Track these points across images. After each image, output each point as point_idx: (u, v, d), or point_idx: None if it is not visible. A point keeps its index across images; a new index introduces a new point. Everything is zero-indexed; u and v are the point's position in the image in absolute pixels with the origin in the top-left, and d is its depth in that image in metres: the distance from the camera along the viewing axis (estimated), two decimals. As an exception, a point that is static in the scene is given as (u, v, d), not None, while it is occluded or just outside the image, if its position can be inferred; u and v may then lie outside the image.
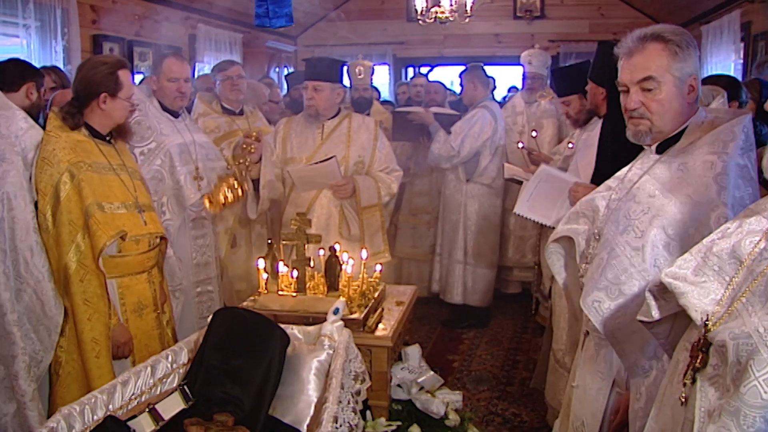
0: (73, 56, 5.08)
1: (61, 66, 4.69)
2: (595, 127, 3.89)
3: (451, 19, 6.42)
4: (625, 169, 2.07)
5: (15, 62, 3.20)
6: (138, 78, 5.45)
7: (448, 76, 9.04)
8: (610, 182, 2.10)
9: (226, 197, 3.47)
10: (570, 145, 4.30)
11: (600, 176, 2.49)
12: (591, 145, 3.15)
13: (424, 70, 9.17)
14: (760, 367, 1.07)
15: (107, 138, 2.89)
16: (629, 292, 1.82)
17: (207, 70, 6.38)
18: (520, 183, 4.02)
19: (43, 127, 2.77)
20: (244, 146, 3.57)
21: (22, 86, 3.05)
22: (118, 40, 5.73)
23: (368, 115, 4.77)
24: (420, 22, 6.57)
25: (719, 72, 5.62)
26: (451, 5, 6.43)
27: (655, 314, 1.40)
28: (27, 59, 4.81)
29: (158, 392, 2.21)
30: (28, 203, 2.63)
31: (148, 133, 3.42)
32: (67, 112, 2.79)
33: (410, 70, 9.39)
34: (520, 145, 4.74)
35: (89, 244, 2.67)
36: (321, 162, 3.66)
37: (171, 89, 3.55)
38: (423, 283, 5.57)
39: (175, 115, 3.62)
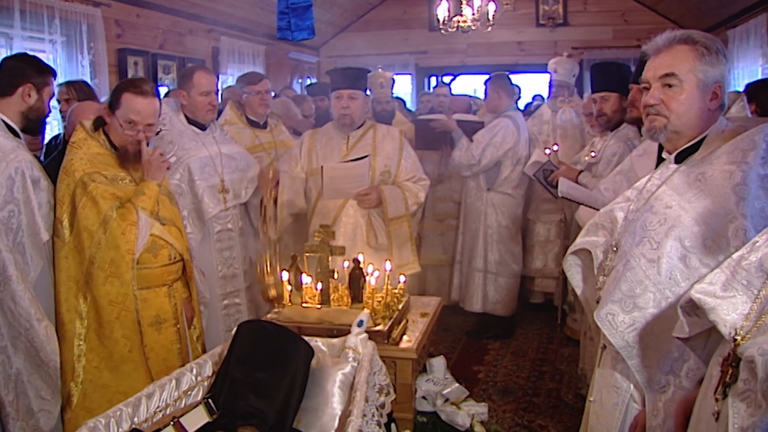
0: (99, 70, 5.19)
1: (87, 80, 4.78)
2: (627, 133, 3.87)
3: (473, 27, 6.42)
4: (644, 180, 2.05)
5: (14, 61, 2.88)
6: (162, 91, 5.51)
7: (471, 85, 9.03)
8: (629, 193, 2.08)
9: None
10: (593, 154, 4.26)
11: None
12: (650, 153, 3.02)
13: (446, 79, 9.17)
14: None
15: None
16: (644, 305, 1.79)
17: (231, 82, 6.45)
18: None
19: (61, 136, 2.80)
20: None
21: (18, 89, 2.75)
22: (143, 53, 5.83)
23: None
24: (442, 31, 6.58)
25: (745, 76, 5.54)
26: (474, 14, 6.44)
27: (687, 331, 1.38)
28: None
29: (183, 405, 2.22)
30: (1, 250, 2.54)
31: (169, 148, 3.44)
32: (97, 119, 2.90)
33: (433, 80, 9.40)
34: (547, 151, 4.71)
35: (111, 246, 2.69)
36: (355, 160, 3.66)
37: (203, 103, 3.56)
38: (443, 292, 5.53)
39: (202, 127, 3.64)
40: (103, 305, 2.71)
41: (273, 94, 4.71)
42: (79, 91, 3.97)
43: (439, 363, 3.21)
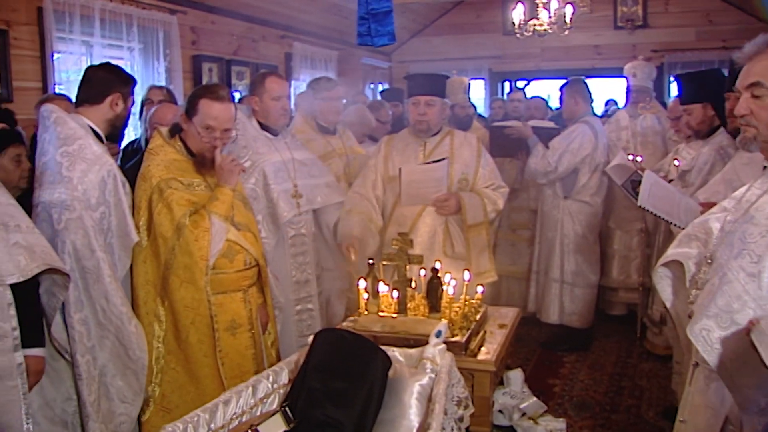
0: (174, 76, 5.31)
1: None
2: (720, 141, 3.68)
3: (549, 31, 6.27)
4: (743, 189, 1.95)
5: (104, 70, 2.94)
6: (235, 97, 5.59)
7: (545, 90, 8.84)
8: (726, 203, 1.98)
9: None
10: (676, 162, 4.07)
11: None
12: (756, 162, 2.87)
13: (520, 84, 9.02)
14: None
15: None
16: (742, 322, 1.68)
17: (303, 88, 6.50)
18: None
19: (139, 142, 2.84)
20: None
21: (107, 98, 2.82)
22: (217, 59, 5.95)
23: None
24: (517, 35, 6.45)
25: None
26: (550, 17, 6.28)
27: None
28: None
29: (259, 412, 2.22)
30: (96, 250, 2.59)
31: (243, 152, 3.47)
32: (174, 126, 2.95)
33: (506, 85, 9.25)
34: (630, 157, 4.53)
35: (185, 252, 2.71)
36: (434, 162, 3.61)
37: (275, 108, 3.58)
38: (520, 302, 5.41)
39: (274, 133, 3.66)
40: (178, 310, 2.74)
41: (344, 101, 4.69)
42: (168, 95, 4.09)
43: (516, 376, 3.12)
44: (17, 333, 2.29)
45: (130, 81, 2.94)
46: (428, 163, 3.66)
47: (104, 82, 2.84)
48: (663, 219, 3.29)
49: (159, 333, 2.77)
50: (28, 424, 2.34)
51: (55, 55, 4.31)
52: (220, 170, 2.86)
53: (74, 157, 2.61)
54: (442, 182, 3.63)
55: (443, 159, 3.62)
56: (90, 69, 2.94)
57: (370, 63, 8.51)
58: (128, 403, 2.71)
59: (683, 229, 2.28)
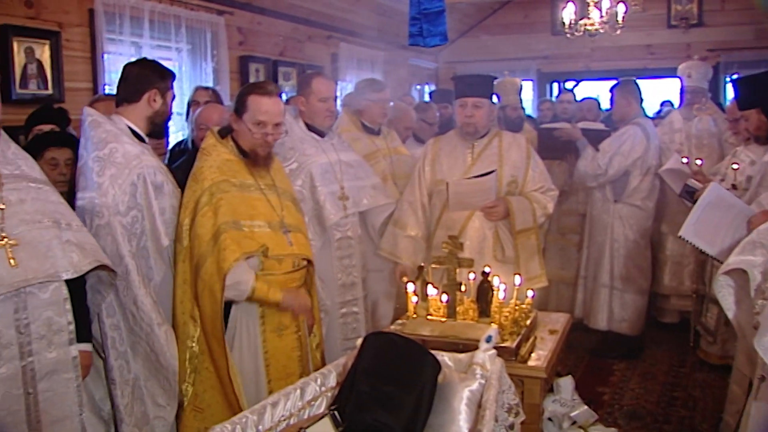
0: (221, 77, 5.34)
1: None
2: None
3: (601, 31, 6.14)
4: None
5: (138, 68, 2.88)
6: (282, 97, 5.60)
7: (594, 91, 8.66)
8: None
9: None
10: (735, 166, 3.92)
11: None
12: None
13: (569, 85, 8.86)
14: None
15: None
16: None
17: (350, 88, 6.50)
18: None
19: (186, 142, 2.82)
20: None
21: (144, 95, 2.79)
22: (264, 60, 5.97)
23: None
24: (567, 35, 6.33)
25: None
26: (601, 16, 6.15)
27: None
28: (179, 81, 5.03)
29: (306, 415, 2.21)
30: (124, 256, 2.57)
31: (290, 154, 3.46)
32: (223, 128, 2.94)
33: (554, 86, 9.10)
34: (685, 160, 4.39)
35: (213, 260, 2.68)
36: (482, 176, 3.56)
37: (321, 109, 3.57)
38: (570, 307, 5.29)
39: (321, 134, 3.65)
40: (207, 314, 2.74)
41: (391, 103, 4.66)
42: (214, 96, 4.12)
43: (566, 383, 3.05)
44: (72, 327, 2.35)
45: (168, 75, 2.88)
46: (476, 177, 3.60)
47: (140, 78, 2.80)
48: (702, 252, 3.20)
49: (194, 333, 2.77)
50: (81, 415, 2.40)
51: (105, 56, 4.38)
52: (292, 301, 2.84)
53: (105, 162, 2.60)
54: (491, 193, 3.58)
55: (492, 171, 3.56)
56: (127, 66, 2.92)
57: (417, 63, 8.47)
58: (163, 406, 2.70)
59: (722, 263, 2.18)
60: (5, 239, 2.16)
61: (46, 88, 4.02)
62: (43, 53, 4.00)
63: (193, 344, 2.78)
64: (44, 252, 2.24)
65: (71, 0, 4.23)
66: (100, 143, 2.63)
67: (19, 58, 3.86)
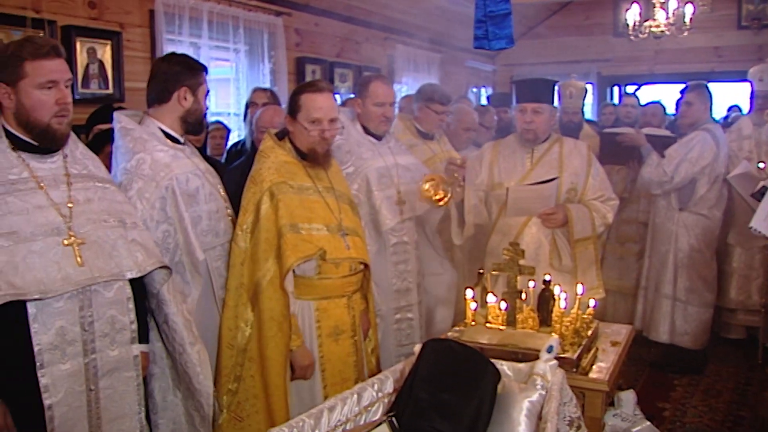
0: (279, 78, 5.36)
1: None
2: None
3: (666, 32, 5.95)
4: None
5: (168, 62, 2.73)
6: (337, 99, 5.57)
7: (658, 95, 8.41)
8: None
9: (439, 194, 3.25)
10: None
11: None
12: None
13: (630, 89, 8.62)
14: None
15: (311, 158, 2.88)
16: None
17: (405, 90, 6.46)
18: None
19: (243, 143, 2.71)
20: (449, 171, 3.45)
21: (173, 94, 2.65)
22: (320, 61, 5.97)
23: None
24: (631, 37, 6.15)
25: None
26: (667, 18, 5.96)
27: None
28: (236, 81, 5.12)
29: (363, 421, 2.17)
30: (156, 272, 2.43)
31: (347, 157, 3.40)
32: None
33: (615, 89, 8.88)
34: (762, 165, 4.20)
35: (276, 262, 2.67)
36: (544, 183, 3.46)
37: (376, 114, 3.49)
38: (626, 319, 5.14)
39: (378, 137, 3.59)
40: (264, 320, 2.70)
41: (449, 116, 4.56)
42: (272, 97, 4.12)
43: (628, 397, 2.95)
44: (134, 327, 2.35)
45: (198, 69, 2.71)
46: (537, 183, 3.50)
47: (168, 76, 2.66)
48: None
49: (242, 340, 2.73)
50: (140, 414, 2.41)
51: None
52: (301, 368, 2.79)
53: (132, 175, 2.51)
54: (551, 200, 3.48)
55: (554, 179, 3.46)
56: (155, 63, 2.80)
57: (474, 66, 8.37)
58: (196, 427, 2.64)
59: None
60: (73, 238, 2.18)
61: (107, 88, 4.09)
62: (105, 53, 4.07)
63: (240, 352, 2.74)
64: (109, 251, 2.25)
65: (132, 1, 4.30)
66: (128, 153, 2.55)
67: (81, 58, 3.93)
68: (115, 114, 2.68)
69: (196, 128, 2.83)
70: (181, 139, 2.75)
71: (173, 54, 2.85)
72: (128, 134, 2.59)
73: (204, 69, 2.76)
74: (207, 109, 2.88)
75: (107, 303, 2.26)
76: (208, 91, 2.80)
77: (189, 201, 2.63)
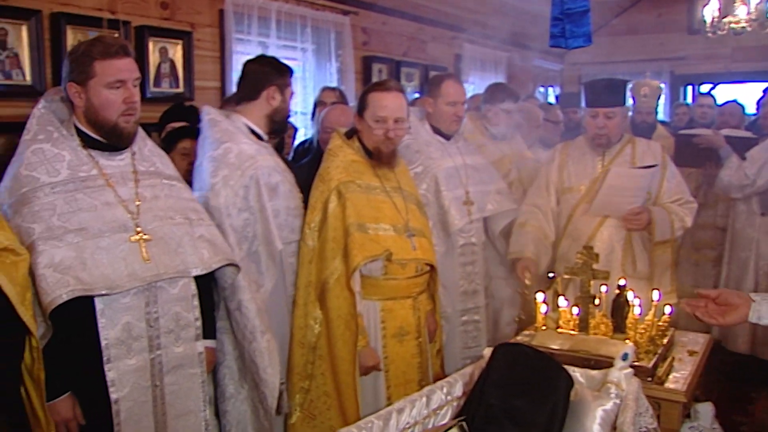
0: (346, 77, 5.36)
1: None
2: None
3: (748, 29, 5.67)
4: None
5: (256, 65, 2.86)
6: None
7: (734, 94, 8.07)
8: None
9: None
10: None
11: None
12: None
13: (704, 88, 8.30)
14: None
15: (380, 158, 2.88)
16: None
17: (472, 90, 6.38)
18: None
19: (311, 142, 2.77)
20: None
21: (262, 92, 2.76)
22: (387, 60, 5.95)
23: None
24: (709, 34, 5.90)
25: None
26: (748, 13, 5.68)
27: None
28: (304, 80, 5.14)
29: (431, 424, 2.16)
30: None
31: (415, 157, 3.40)
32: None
33: (689, 89, 8.56)
34: None
35: (343, 260, 2.68)
36: (645, 168, 3.34)
37: (448, 113, 3.48)
38: (701, 327, 4.93)
39: (447, 137, 3.57)
40: (332, 318, 2.71)
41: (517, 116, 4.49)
42: (340, 96, 4.14)
43: (706, 409, 2.82)
44: (199, 323, 2.36)
45: (286, 71, 2.83)
46: (640, 168, 3.37)
47: (259, 76, 2.78)
48: None
49: (312, 338, 2.76)
50: (205, 411, 2.41)
51: (233, 56, 4.46)
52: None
53: (218, 162, 2.57)
54: (643, 191, 3.34)
55: (654, 165, 3.32)
56: (246, 64, 2.89)
57: (541, 65, 8.22)
58: (260, 420, 2.63)
59: None
60: (139, 234, 2.21)
61: (178, 87, 4.16)
62: (176, 53, 4.14)
63: (311, 350, 2.77)
64: (175, 248, 2.27)
65: (203, 1, 4.36)
66: (215, 143, 2.61)
67: (153, 58, 4.01)
68: (205, 107, 2.77)
69: (281, 127, 2.92)
70: (265, 137, 2.81)
71: (263, 56, 2.99)
72: (216, 125, 2.67)
73: (290, 71, 2.85)
74: (291, 111, 2.96)
75: (172, 299, 2.27)
76: (293, 94, 2.89)
77: (270, 194, 2.68)
